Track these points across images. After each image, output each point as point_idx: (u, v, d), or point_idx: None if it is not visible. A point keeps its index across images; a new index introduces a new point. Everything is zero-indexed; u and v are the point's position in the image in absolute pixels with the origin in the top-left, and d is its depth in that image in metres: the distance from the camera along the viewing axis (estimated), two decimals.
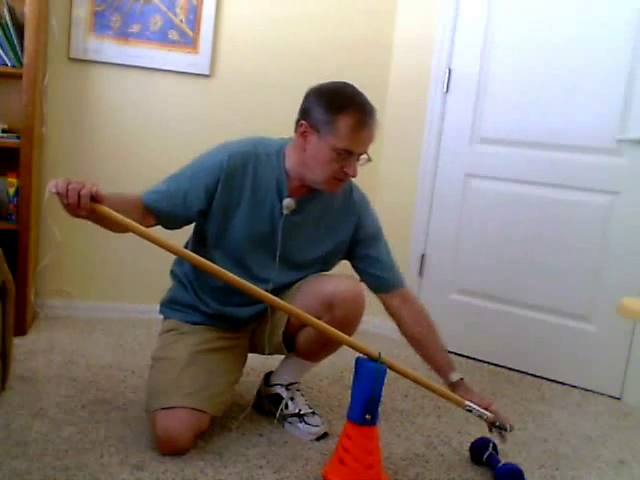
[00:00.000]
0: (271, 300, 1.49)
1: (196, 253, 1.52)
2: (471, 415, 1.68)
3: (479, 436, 1.78)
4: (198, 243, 1.78)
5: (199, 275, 1.77)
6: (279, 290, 1.73)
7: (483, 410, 1.64)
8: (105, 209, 1.37)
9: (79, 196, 1.34)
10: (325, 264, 1.83)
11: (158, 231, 1.49)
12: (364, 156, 1.63)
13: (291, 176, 1.69)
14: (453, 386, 1.74)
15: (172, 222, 1.68)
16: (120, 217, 1.39)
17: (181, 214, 1.66)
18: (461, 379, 1.74)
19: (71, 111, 2.60)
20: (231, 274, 1.45)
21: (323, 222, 1.77)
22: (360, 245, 1.81)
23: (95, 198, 1.36)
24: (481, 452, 1.71)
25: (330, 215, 1.77)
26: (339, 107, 1.56)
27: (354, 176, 1.62)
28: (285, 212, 1.69)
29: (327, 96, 1.60)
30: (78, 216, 1.38)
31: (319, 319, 1.58)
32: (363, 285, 1.78)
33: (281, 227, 1.70)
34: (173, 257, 1.76)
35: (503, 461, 1.67)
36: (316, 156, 1.60)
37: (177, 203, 1.64)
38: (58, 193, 1.35)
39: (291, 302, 1.64)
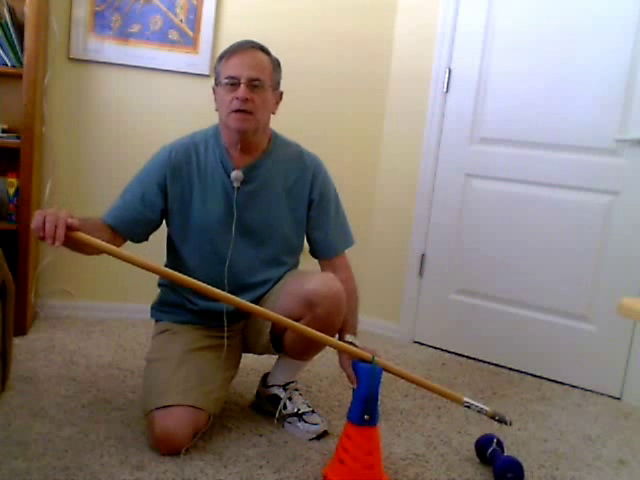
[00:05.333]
0: (237, 302, 1.50)
1: (169, 259, 1.71)
2: (471, 415, 1.68)
3: (481, 434, 1.78)
4: (170, 250, 1.83)
5: None
6: (253, 286, 1.77)
7: (481, 405, 1.64)
8: (82, 235, 1.44)
9: (55, 227, 1.39)
10: (288, 237, 1.83)
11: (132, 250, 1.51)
12: (256, 82, 1.66)
13: (230, 149, 1.76)
14: None
15: (138, 231, 1.75)
16: (97, 241, 1.46)
17: (145, 218, 1.74)
18: (352, 343, 1.66)
19: (71, 111, 2.60)
20: (207, 286, 1.47)
21: (279, 185, 1.80)
22: (312, 206, 1.84)
23: (70, 227, 1.41)
24: (485, 448, 1.71)
25: (285, 177, 1.80)
26: (221, 56, 1.73)
27: (243, 98, 1.64)
28: (236, 185, 1.74)
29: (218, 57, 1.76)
30: (54, 245, 1.41)
31: (302, 318, 1.62)
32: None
33: (235, 200, 1.74)
34: None
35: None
36: (220, 102, 1.72)
37: (138, 209, 1.73)
38: (35, 228, 1.40)
39: (274, 302, 1.69)
